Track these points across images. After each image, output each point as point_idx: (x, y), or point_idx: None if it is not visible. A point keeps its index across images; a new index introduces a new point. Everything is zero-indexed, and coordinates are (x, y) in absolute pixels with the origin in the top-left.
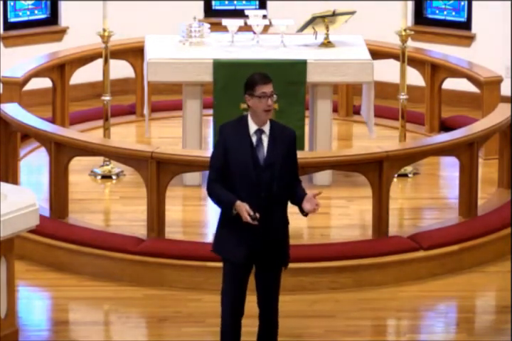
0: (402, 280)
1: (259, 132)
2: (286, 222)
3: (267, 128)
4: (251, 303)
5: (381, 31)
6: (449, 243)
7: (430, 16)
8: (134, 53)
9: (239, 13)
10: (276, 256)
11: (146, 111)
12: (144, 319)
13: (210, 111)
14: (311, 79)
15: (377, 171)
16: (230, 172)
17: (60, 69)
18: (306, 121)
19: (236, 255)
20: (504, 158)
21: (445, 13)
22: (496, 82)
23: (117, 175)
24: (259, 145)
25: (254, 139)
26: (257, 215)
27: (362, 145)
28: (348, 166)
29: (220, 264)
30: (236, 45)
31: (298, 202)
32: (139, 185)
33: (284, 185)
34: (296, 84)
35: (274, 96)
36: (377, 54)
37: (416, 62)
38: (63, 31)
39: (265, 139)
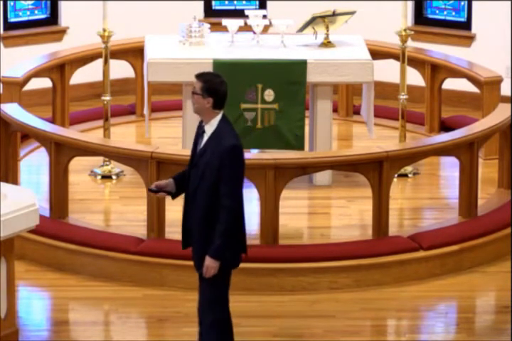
0: (402, 280)
1: (202, 130)
2: (207, 230)
3: (210, 128)
4: (250, 303)
5: (381, 31)
6: (449, 243)
7: (430, 16)
8: (134, 53)
9: (239, 13)
10: (198, 260)
11: (146, 111)
12: (143, 319)
13: None
14: (311, 79)
15: (377, 171)
16: None
17: (60, 69)
18: (306, 121)
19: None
20: (504, 158)
21: (445, 13)
22: (496, 82)
23: (117, 175)
24: (198, 143)
25: (199, 136)
26: (154, 188)
27: (362, 145)
28: (348, 166)
29: None
30: (236, 45)
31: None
32: (139, 185)
33: (204, 193)
34: (296, 84)
35: (197, 95)
36: (377, 54)
37: (416, 62)
38: (63, 31)
39: (205, 138)
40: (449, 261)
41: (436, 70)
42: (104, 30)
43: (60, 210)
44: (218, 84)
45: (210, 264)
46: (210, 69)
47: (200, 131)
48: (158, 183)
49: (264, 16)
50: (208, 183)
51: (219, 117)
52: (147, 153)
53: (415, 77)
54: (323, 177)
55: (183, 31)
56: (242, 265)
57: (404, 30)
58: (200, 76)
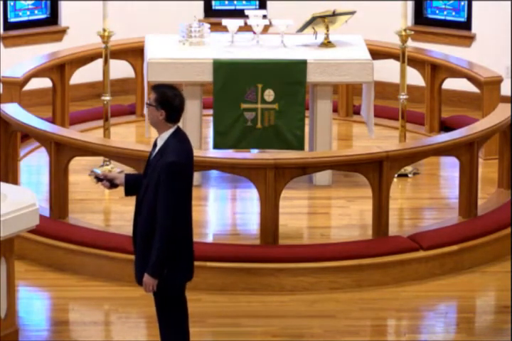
0: (402, 280)
1: (155, 142)
2: (147, 244)
3: (160, 142)
4: (250, 303)
5: (381, 31)
6: (449, 243)
7: (430, 16)
8: (134, 53)
9: (239, 13)
10: (139, 275)
11: (146, 111)
12: (143, 319)
13: (210, 111)
14: (311, 79)
15: (377, 171)
16: None
17: (60, 69)
18: (306, 121)
19: None
20: (504, 158)
21: (445, 13)
22: (496, 82)
23: None
24: (151, 154)
25: (153, 148)
26: (101, 176)
27: (362, 145)
28: (348, 166)
29: (219, 264)
30: (236, 45)
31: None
32: None
33: (148, 205)
34: (296, 84)
35: (151, 107)
36: (377, 54)
37: (416, 62)
38: (63, 31)
39: (155, 151)
40: (448, 261)
41: (436, 70)
42: (104, 30)
43: (60, 210)
44: (172, 97)
45: (146, 280)
46: (210, 69)
47: (154, 143)
48: (107, 174)
49: (264, 16)
50: (152, 196)
51: (171, 131)
52: (147, 153)
53: (415, 77)
54: (323, 177)
55: (183, 31)
56: (242, 265)
57: (404, 30)
58: (155, 87)
